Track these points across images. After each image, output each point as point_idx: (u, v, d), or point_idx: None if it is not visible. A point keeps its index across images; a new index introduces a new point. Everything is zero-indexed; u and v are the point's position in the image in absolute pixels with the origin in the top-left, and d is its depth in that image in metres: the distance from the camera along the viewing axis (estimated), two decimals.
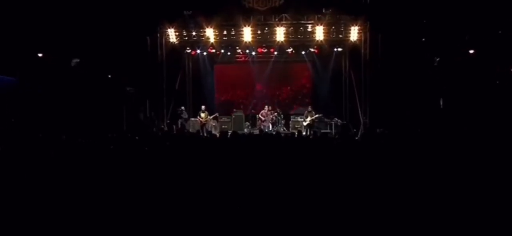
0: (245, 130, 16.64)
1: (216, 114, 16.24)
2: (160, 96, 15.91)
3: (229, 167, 5.30)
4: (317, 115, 15.70)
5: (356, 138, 9.91)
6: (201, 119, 15.60)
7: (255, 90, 18.70)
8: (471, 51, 14.13)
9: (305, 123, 15.54)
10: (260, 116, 16.63)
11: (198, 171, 5.18)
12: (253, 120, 17.66)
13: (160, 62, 15.91)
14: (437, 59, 14.82)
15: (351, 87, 16.48)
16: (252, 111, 18.10)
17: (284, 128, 17.06)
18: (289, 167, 5.25)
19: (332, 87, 17.65)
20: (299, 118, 16.61)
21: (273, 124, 16.86)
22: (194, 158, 5.94)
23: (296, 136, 10.12)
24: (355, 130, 15.24)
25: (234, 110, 17.55)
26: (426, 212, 3.68)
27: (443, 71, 14.72)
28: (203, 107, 15.74)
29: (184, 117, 15.81)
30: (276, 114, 16.79)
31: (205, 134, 14.58)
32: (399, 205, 3.87)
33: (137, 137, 8.71)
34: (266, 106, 16.83)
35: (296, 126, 16.46)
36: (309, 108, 15.71)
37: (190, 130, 15.48)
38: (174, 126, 16.05)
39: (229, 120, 17.02)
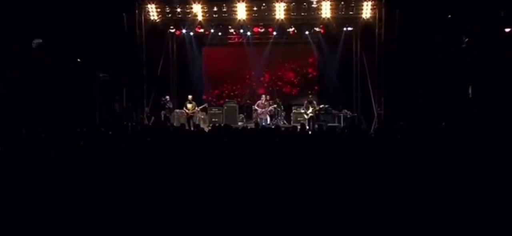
0: (239, 124, 16.66)
1: (205, 105, 16.24)
2: (139, 84, 15.90)
3: (220, 168, 5.30)
4: (322, 106, 15.70)
5: (369, 132, 9.91)
6: (187, 111, 15.56)
7: (251, 76, 18.75)
8: (507, 30, 13.93)
9: (307, 116, 15.54)
10: (256, 107, 16.64)
11: (184, 172, 5.19)
12: (248, 112, 17.66)
13: (139, 44, 15.84)
14: (466, 40, 14.69)
15: (363, 73, 16.49)
16: (247, 101, 18.10)
17: (285, 121, 17.08)
18: (290, 167, 5.25)
19: (341, 73, 17.69)
20: (302, 109, 16.62)
21: (271, 117, 16.84)
22: (179, 157, 5.90)
23: (298, 130, 10.11)
24: (363, 123, 15.29)
25: (226, 100, 17.53)
26: (453, 223, 3.68)
27: (473, 53, 14.57)
28: (189, 97, 15.70)
29: (169, 107, 15.78)
30: (275, 105, 16.81)
31: (192, 128, 14.55)
32: (420, 215, 3.85)
33: (111, 132, 8.65)
34: (264, 96, 16.84)
35: (298, 118, 16.47)
36: (310, 97, 15.69)
37: (175, 124, 15.50)
38: (155, 118, 16.04)
39: (220, 112, 17.04)
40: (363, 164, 5.28)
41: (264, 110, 16.41)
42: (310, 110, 15.43)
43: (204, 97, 17.90)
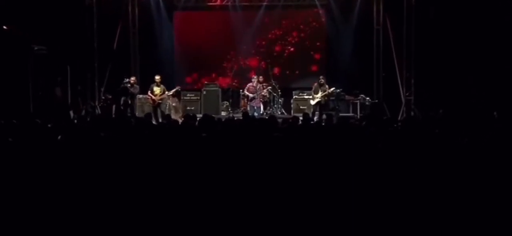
0: (223, 113, 16.69)
1: (178, 88, 16.16)
2: (88, 61, 15.76)
3: (196, 173, 5.29)
4: (332, 89, 15.71)
5: (395, 125, 9.90)
6: (153, 97, 15.45)
7: (238, 51, 18.75)
8: None
9: (313, 102, 15.53)
10: (245, 92, 16.61)
11: (147, 180, 5.19)
12: (234, 97, 17.66)
13: (87, 6, 15.69)
14: None
15: (387, 47, 16.50)
16: (234, 84, 18.05)
17: (283, 110, 17.09)
18: (289, 173, 5.25)
19: (357, 47, 17.76)
20: (305, 95, 16.62)
21: (265, 104, 16.81)
22: (141, 159, 5.87)
23: (300, 122, 10.09)
24: (387, 113, 15.32)
25: (205, 82, 17.50)
26: None
27: None
28: (157, 78, 15.59)
29: (134, 92, 15.70)
30: (270, 88, 16.77)
31: (159, 120, 14.47)
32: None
33: (50, 125, 8.58)
34: (255, 77, 16.78)
35: (301, 107, 16.47)
36: (321, 79, 15.70)
37: (137, 113, 15.46)
38: (112, 107, 15.93)
39: (198, 98, 17.07)
40: (389, 170, 5.26)
41: (256, 95, 16.38)
42: (319, 94, 15.42)
43: (176, 78, 17.82)
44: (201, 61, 18.55)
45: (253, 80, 16.64)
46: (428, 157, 5.53)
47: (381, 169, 5.37)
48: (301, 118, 11.00)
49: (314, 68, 18.20)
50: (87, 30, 15.75)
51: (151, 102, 15.55)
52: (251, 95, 16.43)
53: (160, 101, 15.53)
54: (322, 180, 5.09)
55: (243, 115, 11.62)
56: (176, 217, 4.71)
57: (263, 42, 18.73)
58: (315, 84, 15.74)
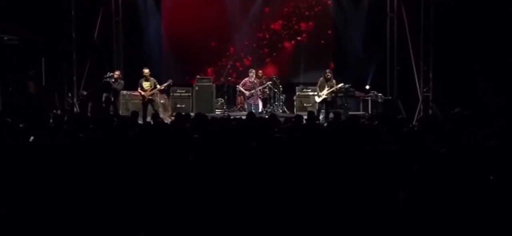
0: (217, 112, 16.64)
1: (170, 82, 16.03)
2: (65, 53, 15.72)
3: (186, 179, 5.33)
4: (341, 85, 15.64)
5: (411, 125, 9.87)
6: (142, 92, 15.30)
7: (234, 42, 18.73)
8: None
9: (319, 99, 15.43)
10: (241, 88, 16.50)
11: (132, 190, 5.24)
12: (230, 94, 17.65)
13: None
14: None
15: (402, 37, 16.45)
16: (229, 78, 17.99)
17: (285, 108, 17.05)
18: (293, 180, 5.27)
19: (368, 37, 17.73)
20: (310, 91, 16.57)
21: (265, 102, 16.74)
22: (125, 166, 5.87)
23: (305, 122, 10.06)
24: (402, 111, 15.29)
25: (197, 77, 17.46)
26: None
27: None
28: (146, 71, 15.41)
29: (118, 88, 15.61)
30: (269, 83, 16.70)
31: (148, 119, 14.35)
32: None
33: (22, 125, 8.56)
34: (252, 71, 16.65)
35: (305, 104, 16.41)
36: (327, 73, 15.55)
37: (121, 112, 15.40)
38: (92, 104, 15.91)
39: (189, 94, 17.07)
40: (404, 176, 5.25)
41: (253, 91, 16.27)
42: (326, 90, 15.29)
43: (164, 73, 17.76)
44: (192, 53, 18.48)
45: (250, 74, 16.45)
46: (449, 162, 5.50)
47: (394, 176, 5.35)
48: (305, 117, 10.99)
49: (319, 61, 18.09)
50: (64, 18, 15.65)
51: (140, 98, 15.43)
52: (248, 92, 16.25)
53: (150, 97, 15.37)
54: (328, 187, 5.09)
55: (247, 115, 11.46)
56: (165, 230, 4.69)
57: (262, 34, 18.71)
58: (321, 79, 15.58)
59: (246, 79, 16.42)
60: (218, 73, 18.34)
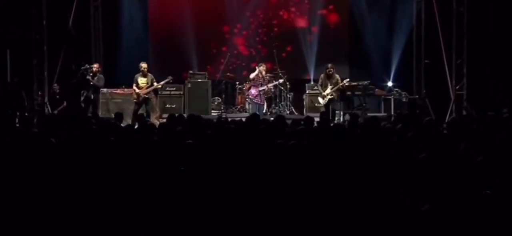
0: (214, 113, 16.66)
1: (170, 79, 15.91)
2: (35, 43, 15.71)
3: (179, 195, 5.35)
4: (361, 83, 15.58)
5: (441, 128, 9.83)
6: (138, 91, 15.14)
7: (233, 31, 18.78)
8: None
9: (323, 100, 15.29)
10: (249, 89, 16.27)
11: (113, 205, 5.24)
12: (228, 91, 17.70)
13: None
14: None
15: (431, 26, 16.46)
16: (227, 74, 18.00)
17: (293, 109, 17.08)
18: (302, 195, 5.28)
19: (392, 26, 17.79)
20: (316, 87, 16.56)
21: (269, 101, 16.67)
22: (105, 176, 5.90)
23: (316, 124, 10.06)
24: (431, 112, 15.23)
25: (190, 72, 17.45)
26: None
27: None
28: (143, 65, 15.20)
29: (98, 84, 15.55)
30: (280, 80, 16.56)
31: (139, 122, 14.28)
32: None
33: None
34: (262, 66, 16.31)
35: (316, 104, 16.36)
36: (329, 69, 15.34)
37: (102, 113, 15.47)
38: (64, 104, 15.96)
39: (180, 93, 17.13)
40: (434, 189, 5.25)
41: (263, 90, 16.15)
42: (329, 89, 15.21)
43: (151, 67, 17.70)
44: (184, 44, 18.47)
45: (258, 68, 16.20)
46: (486, 173, 5.48)
47: (421, 189, 5.34)
48: (317, 119, 10.98)
49: (333, 53, 18.05)
50: (33, 2, 15.63)
51: (135, 97, 15.29)
52: (255, 90, 16.06)
53: (146, 96, 15.28)
54: (343, 204, 5.06)
55: (250, 117, 11.37)
56: None
57: (266, 22, 18.79)
58: (322, 75, 15.54)
59: (255, 74, 16.22)
60: (214, 68, 18.26)
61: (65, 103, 16.11)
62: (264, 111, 16.20)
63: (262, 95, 16.12)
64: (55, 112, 15.45)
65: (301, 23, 18.81)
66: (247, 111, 16.12)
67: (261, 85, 16.07)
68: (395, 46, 17.50)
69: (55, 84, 16.45)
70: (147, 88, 15.11)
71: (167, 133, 8.47)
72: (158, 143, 7.66)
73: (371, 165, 6.10)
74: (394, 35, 17.60)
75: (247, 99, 16.55)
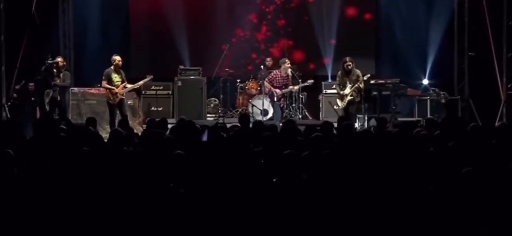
0: (209, 118, 16.81)
1: (150, 78, 15.81)
2: None
3: (166, 218, 5.44)
4: (390, 81, 15.57)
5: (489, 136, 9.81)
6: (112, 90, 15.05)
7: (234, 16, 18.89)
8: None
9: (341, 103, 15.18)
10: (268, 85, 16.12)
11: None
12: (227, 91, 17.74)
13: None
14: None
15: (476, 13, 16.50)
16: (227, 69, 17.99)
17: (306, 112, 17.20)
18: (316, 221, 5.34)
19: (428, 12, 17.83)
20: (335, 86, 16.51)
21: (275, 102, 16.63)
22: (76, 194, 5.92)
23: (334, 130, 10.06)
24: (477, 117, 15.22)
25: (180, 67, 17.44)
26: None
27: None
28: (116, 58, 15.05)
29: (65, 82, 15.54)
30: (306, 84, 16.51)
31: (113, 126, 14.28)
32: None
33: None
34: (286, 62, 16.23)
35: (335, 107, 16.34)
36: (348, 63, 15.16)
37: (72, 117, 15.48)
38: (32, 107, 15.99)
39: (169, 92, 17.24)
40: (479, 211, 5.29)
41: (288, 90, 16.09)
42: (348, 88, 15.11)
43: (132, 63, 17.74)
44: (173, 34, 18.50)
45: (285, 64, 15.97)
46: None
47: (465, 210, 5.34)
48: (335, 124, 10.96)
49: (356, 44, 18.04)
50: None
51: (110, 97, 15.18)
52: (278, 91, 15.97)
53: (122, 97, 15.19)
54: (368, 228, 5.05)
55: (240, 119, 11.38)
56: None
57: (273, 7, 18.88)
58: (339, 72, 15.36)
59: (275, 73, 16.16)
60: (210, 63, 18.23)
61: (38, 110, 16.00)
62: (268, 115, 16.19)
63: (274, 96, 16.00)
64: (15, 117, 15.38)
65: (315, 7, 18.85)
66: (251, 115, 16.06)
67: (285, 85, 16.00)
68: (432, 35, 17.48)
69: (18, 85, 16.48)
70: (123, 87, 15.04)
71: (148, 142, 8.46)
72: (140, 154, 7.65)
73: (402, 182, 6.11)
74: (431, 22, 17.56)
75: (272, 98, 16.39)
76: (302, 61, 18.29)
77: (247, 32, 18.80)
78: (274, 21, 18.85)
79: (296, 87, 16.28)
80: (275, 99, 15.95)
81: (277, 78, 15.99)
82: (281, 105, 16.04)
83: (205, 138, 9.23)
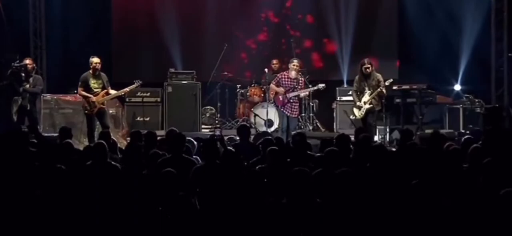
0: (204, 130, 16.89)
1: (137, 84, 15.73)
2: None
3: None
4: (416, 87, 15.57)
5: None
6: (90, 98, 15.00)
7: (233, 11, 18.98)
8: None
9: (359, 112, 15.12)
10: (274, 88, 16.10)
11: None
12: (225, 97, 17.70)
13: None
14: None
15: None
16: (225, 73, 17.99)
17: (317, 122, 17.26)
18: None
19: (460, 6, 17.78)
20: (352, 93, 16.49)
21: (280, 108, 16.63)
22: (46, 216, 5.90)
23: (351, 144, 10.06)
24: None
25: (170, 70, 17.42)
26: None
27: None
28: (95, 60, 14.99)
29: (36, 88, 15.56)
30: (317, 88, 16.47)
31: (93, 140, 14.28)
32: None
33: None
34: (296, 62, 16.16)
35: (352, 117, 16.32)
36: (366, 65, 15.09)
37: (43, 128, 15.55)
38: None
39: (157, 99, 17.25)
40: None
41: (296, 94, 16.04)
42: (367, 95, 15.03)
43: (114, 66, 17.76)
44: (162, 33, 18.53)
45: (294, 65, 15.87)
46: None
47: None
48: (352, 137, 10.94)
49: (376, 44, 18.11)
50: None
51: (87, 106, 15.12)
52: (282, 96, 15.90)
53: (102, 106, 15.07)
54: None
55: (295, 135, 11.25)
56: None
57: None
58: (357, 77, 15.25)
59: (282, 75, 16.08)
60: (206, 65, 18.23)
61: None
62: (275, 127, 16.17)
63: (294, 105, 15.85)
64: None
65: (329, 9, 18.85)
66: (254, 126, 16.12)
67: (294, 89, 15.89)
68: (465, 34, 17.45)
69: None
70: (104, 94, 14.97)
71: (132, 157, 8.45)
72: (122, 171, 7.66)
73: (431, 205, 6.09)
74: (464, 18, 17.54)
75: (258, 108, 16.40)
76: (312, 60, 18.31)
77: (249, 30, 18.90)
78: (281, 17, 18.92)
79: (304, 92, 16.04)
80: (281, 100, 15.80)
81: (284, 81, 15.86)
82: (294, 114, 15.96)
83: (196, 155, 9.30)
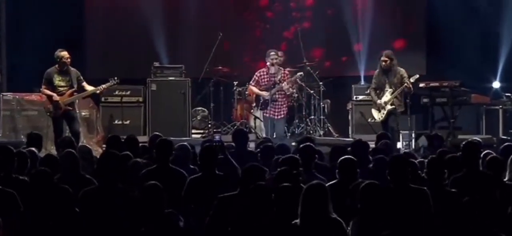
0: (194, 135, 16.98)
1: (114, 82, 15.75)
2: None
3: None
4: (447, 84, 15.62)
5: None
6: (54, 98, 15.06)
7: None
8: None
9: (379, 114, 15.13)
10: (252, 87, 16.24)
11: None
12: (219, 97, 17.59)
13: None
14: None
15: None
16: (219, 67, 17.97)
17: (329, 126, 17.27)
18: None
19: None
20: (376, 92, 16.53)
21: (290, 112, 16.69)
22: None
23: (371, 152, 10.08)
24: None
25: (155, 65, 17.42)
26: None
27: None
28: (62, 53, 15.11)
29: None
30: (300, 75, 16.55)
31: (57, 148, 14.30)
32: None
33: None
34: (274, 55, 16.32)
35: (370, 120, 16.36)
36: (385, 59, 15.18)
37: (4, 132, 15.77)
38: None
39: (139, 99, 17.30)
40: None
41: (275, 92, 16.14)
42: (388, 94, 15.02)
43: (88, 62, 17.83)
44: (145, 20, 18.57)
45: (272, 58, 16.16)
46: None
47: None
48: (371, 144, 10.97)
49: (398, 41, 18.18)
50: None
51: (51, 107, 15.17)
52: (265, 94, 16.05)
53: (68, 108, 15.12)
54: None
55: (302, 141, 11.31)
56: None
57: None
58: (376, 72, 15.29)
59: (261, 71, 16.21)
60: (198, 60, 18.23)
61: None
62: (282, 131, 16.22)
63: (279, 104, 15.96)
64: None
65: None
66: (254, 131, 16.16)
67: (273, 85, 15.95)
68: (506, 22, 17.48)
69: None
70: (70, 93, 15.00)
71: (108, 168, 8.44)
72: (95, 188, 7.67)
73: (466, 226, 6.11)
74: (504, 4, 17.59)
75: (253, 112, 16.48)
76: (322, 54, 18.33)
77: (248, 18, 18.88)
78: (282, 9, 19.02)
79: (287, 85, 16.19)
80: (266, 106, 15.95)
81: (263, 78, 16.00)
82: (278, 116, 16.01)
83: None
